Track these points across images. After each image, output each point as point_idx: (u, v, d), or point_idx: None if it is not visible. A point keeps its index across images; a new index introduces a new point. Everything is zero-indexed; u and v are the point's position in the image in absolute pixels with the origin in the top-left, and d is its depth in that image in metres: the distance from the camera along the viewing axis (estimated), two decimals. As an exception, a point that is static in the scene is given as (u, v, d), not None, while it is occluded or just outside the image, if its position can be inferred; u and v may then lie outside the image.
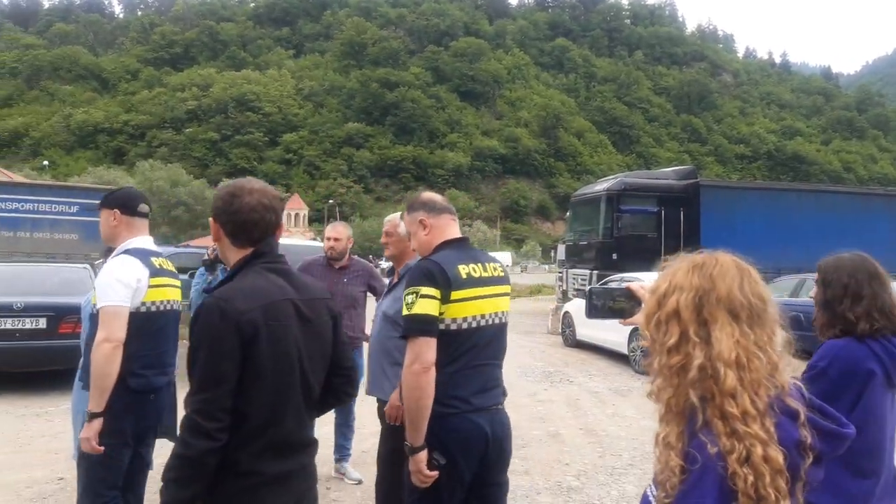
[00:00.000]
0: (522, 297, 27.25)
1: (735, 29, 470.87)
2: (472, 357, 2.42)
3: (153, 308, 2.87)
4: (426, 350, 2.29)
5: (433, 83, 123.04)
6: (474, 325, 2.43)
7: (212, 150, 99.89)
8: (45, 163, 75.69)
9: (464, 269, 2.44)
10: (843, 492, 1.97)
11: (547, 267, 69.82)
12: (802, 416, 1.21)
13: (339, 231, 4.65)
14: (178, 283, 3.08)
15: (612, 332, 10.32)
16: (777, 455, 1.15)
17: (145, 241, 3.03)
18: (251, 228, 1.94)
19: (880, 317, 2.14)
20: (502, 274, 2.65)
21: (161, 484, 1.73)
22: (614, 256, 14.84)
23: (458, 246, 2.57)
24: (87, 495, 2.75)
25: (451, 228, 2.62)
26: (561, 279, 17.69)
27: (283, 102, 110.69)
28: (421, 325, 2.31)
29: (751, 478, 1.13)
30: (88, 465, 2.72)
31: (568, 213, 19.43)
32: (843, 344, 2.16)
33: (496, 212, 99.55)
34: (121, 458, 2.59)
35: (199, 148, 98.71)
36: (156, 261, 2.95)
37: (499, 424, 2.48)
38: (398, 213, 3.50)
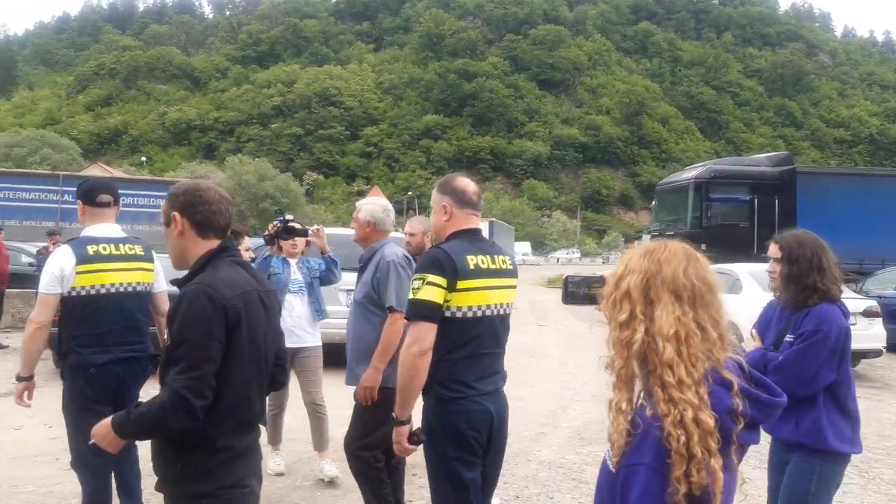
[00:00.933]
0: (604, 289, 26.67)
1: (832, 7, 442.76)
2: (476, 346, 2.55)
3: (83, 293, 3.17)
4: (426, 334, 2.42)
5: (511, 72, 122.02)
6: (479, 314, 2.55)
7: (296, 144, 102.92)
8: (144, 159, 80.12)
9: (472, 260, 2.55)
10: (840, 433, 2.60)
11: (629, 258, 68.01)
12: (736, 387, 1.33)
13: (413, 226, 4.64)
14: (132, 266, 3.34)
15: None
16: (708, 419, 1.27)
17: (102, 228, 3.32)
18: (217, 219, 2.15)
19: (838, 283, 2.69)
20: (510, 267, 2.77)
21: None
22: (703, 247, 14.16)
23: (470, 236, 2.66)
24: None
25: (469, 221, 2.71)
26: (645, 271, 17.17)
27: (364, 96, 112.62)
28: (423, 311, 2.43)
29: (682, 438, 1.26)
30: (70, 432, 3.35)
31: (653, 203, 18.86)
32: (831, 309, 2.65)
33: (576, 202, 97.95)
34: (87, 421, 2.78)
35: (284, 143, 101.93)
36: (92, 248, 3.22)
37: (501, 405, 2.71)
38: (364, 200, 3.98)
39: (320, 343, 5.04)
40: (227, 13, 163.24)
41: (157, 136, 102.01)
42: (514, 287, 2.77)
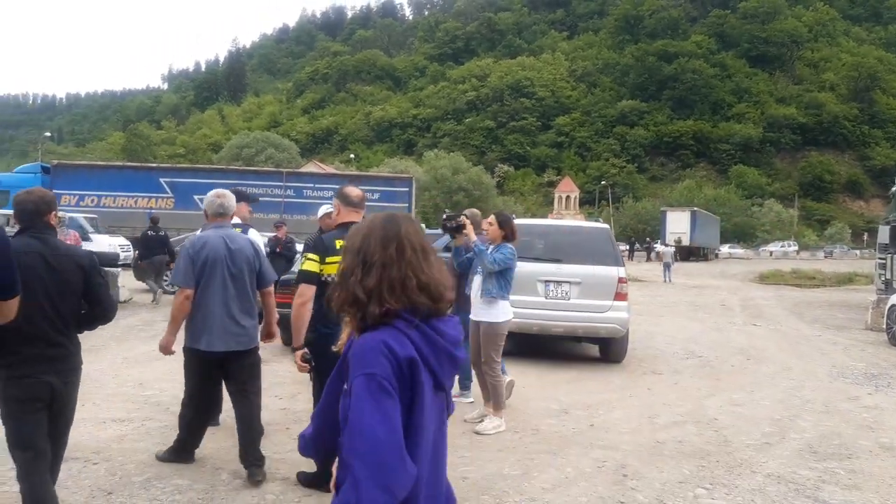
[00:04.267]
0: (829, 287, 23.80)
1: None
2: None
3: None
4: (306, 291, 3.71)
5: (717, 50, 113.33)
6: None
7: (488, 137, 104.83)
8: (352, 156, 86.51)
9: (339, 243, 3.59)
10: None
11: (858, 252, 60.12)
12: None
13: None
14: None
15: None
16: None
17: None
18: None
19: None
20: None
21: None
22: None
23: (347, 227, 3.73)
24: None
25: (351, 217, 3.92)
26: (883, 267, 15.02)
27: (556, 86, 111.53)
28: (304, 277, 3.75)
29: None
30: None
31: (893, 189, 16.41)
32: None
33: (793, 189, 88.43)
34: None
35: (477, 136, 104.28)
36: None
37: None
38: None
39: (494, 321, 5.35)
40: (426, 13, 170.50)
41: (363, 134, 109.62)
42: None
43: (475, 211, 6.30)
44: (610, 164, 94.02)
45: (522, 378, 7.39)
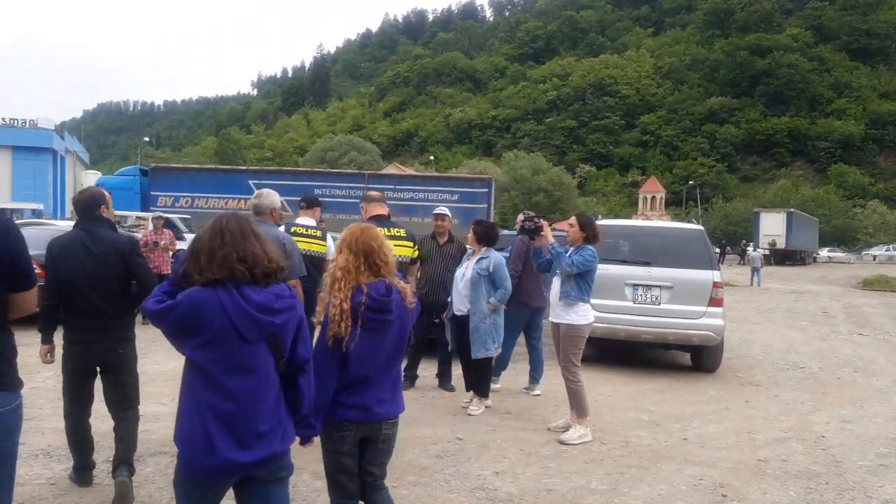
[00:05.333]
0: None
1: None
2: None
3: None
4: None
5: (815, 43, 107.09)
6: None
7: (569, 137, 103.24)
8: (431, 157, 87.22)
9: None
10: None
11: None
12: (363, 298, 2.61)
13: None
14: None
15: None
16: (347, 305, 2.59)
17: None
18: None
19: None
20: (402, 233, 5.28)
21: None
22: None
23: (377, 219, 4.99)
24: None
25: (376, 210, 5.25)
26: None
27: (641, 83, 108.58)
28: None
29: (333, 315, 2.59)
30: None
31: None
32: None
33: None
34: None
35: (558, 136, 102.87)
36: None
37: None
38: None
39: (573, 323, 5.21)
40: (507, 14, 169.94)
41: (443, 136, 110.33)
42: (404, 244, 5.13)
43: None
44: (698, 164, 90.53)
45: (608, 386, 7.09)
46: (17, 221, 16.57)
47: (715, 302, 7.51)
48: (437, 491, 4.00)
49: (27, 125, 52.03)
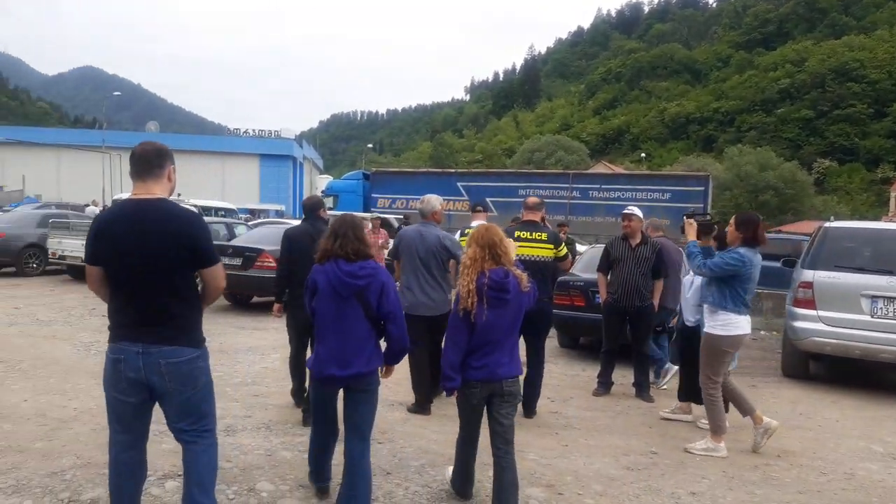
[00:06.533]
0: None
1: None
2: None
3: None
4: None
5: None
6: (523, 259, 5.02)
7: (805, 129, 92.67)
8: (643, 155, 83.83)
9: (518, 233, 5.52)
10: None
11: None
12: (486, 280, 3.34)
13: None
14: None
15: None
16: (473, 286, 3.34)
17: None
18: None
19: None
20: (544, 237, 5.57)
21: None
22: None
23: (524, 224, 5.72)
24: None
25: (532, 216, 5.72)
26: None
27: (895, 66, 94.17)
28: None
29: (464, 293, 3.37)
30: None
31: None
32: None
33: None
34: None
35: (791, 128, 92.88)
36: None
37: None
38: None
39: (712, 332, 4.85)
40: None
41: (657, 132, 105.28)
42: (544, 247, 5.54)
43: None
44: (970, 157, 76.36)
45: (835, 410, 6.29)
46: (260, 221, 18.98)
47: (981, 320, 6.30)
48: (624, 504, 3.84)
49: (272, 136, 59.46)
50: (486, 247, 3.41)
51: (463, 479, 3.66)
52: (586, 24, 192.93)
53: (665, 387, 6.67)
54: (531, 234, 5.53)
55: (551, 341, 7.66)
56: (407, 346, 3.46)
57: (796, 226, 36.46)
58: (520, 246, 5.25)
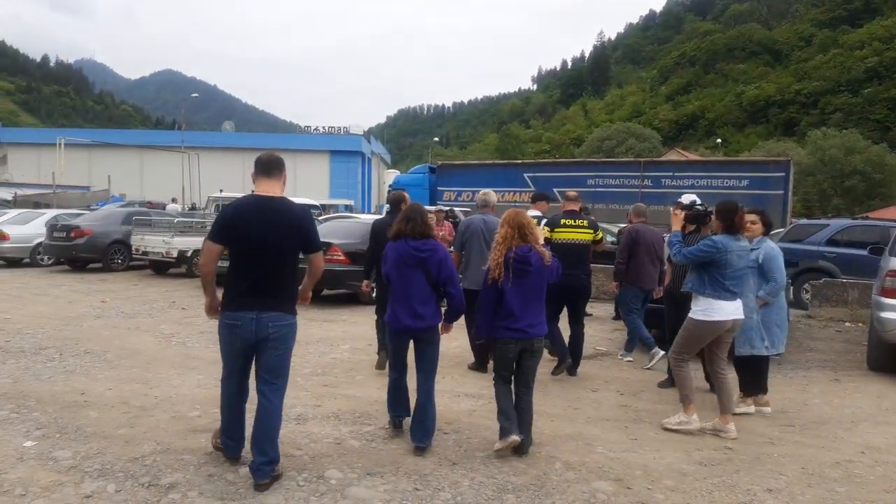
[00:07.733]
0: None
1: None
2: (563, 256, 5.37)
3: None
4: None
5: None
6: (567, 242, 6.48)
7: (894, 109, 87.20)
8: (718, 140, 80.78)
9: (564, 220, 6.57)
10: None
11: None
12: (512, 254, 4.20)
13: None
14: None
15: None
16: (501, 259, 4.20)
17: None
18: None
19: None
20: (585, 224, 6.62)
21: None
22: None
23: (568, 213, 6.68)
24: None
25: (571, 206, 6.75)
26: None
27: None
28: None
29: (493, 265, 4.21)
30: None
31: None
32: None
33: None
34: None
35: (880, 109, 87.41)
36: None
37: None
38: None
39: (690, 315, 5.01)
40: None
41: (733, 116, 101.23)
42: (585, 232, 6.58)
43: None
44: None
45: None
46: (328, 216, 19.40)
47: None
48: (695, 500, 3.72)
49: (341, 132, 60.56)
50: (516, 227, 4.22)
51: (505, 416, 4.21)
52: (658, 8, 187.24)
53: (649, 367, 7.01)
54: (575, 222, 6.60)
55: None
56: (463, 308, 4.34)
57: (885, 212, 34.38)
58: (565, 231, 6.50)
